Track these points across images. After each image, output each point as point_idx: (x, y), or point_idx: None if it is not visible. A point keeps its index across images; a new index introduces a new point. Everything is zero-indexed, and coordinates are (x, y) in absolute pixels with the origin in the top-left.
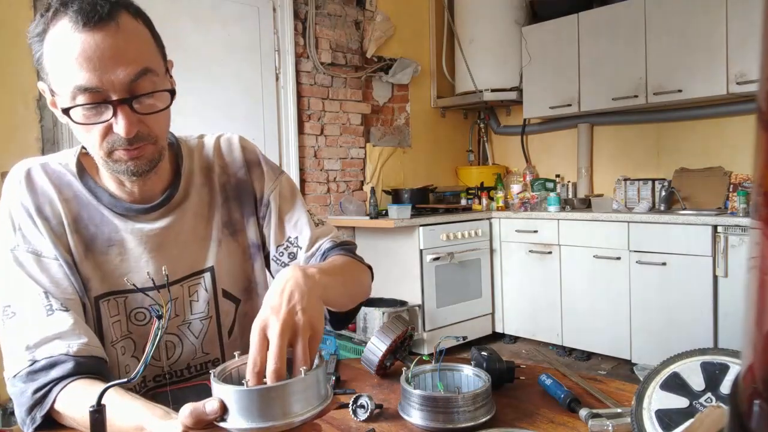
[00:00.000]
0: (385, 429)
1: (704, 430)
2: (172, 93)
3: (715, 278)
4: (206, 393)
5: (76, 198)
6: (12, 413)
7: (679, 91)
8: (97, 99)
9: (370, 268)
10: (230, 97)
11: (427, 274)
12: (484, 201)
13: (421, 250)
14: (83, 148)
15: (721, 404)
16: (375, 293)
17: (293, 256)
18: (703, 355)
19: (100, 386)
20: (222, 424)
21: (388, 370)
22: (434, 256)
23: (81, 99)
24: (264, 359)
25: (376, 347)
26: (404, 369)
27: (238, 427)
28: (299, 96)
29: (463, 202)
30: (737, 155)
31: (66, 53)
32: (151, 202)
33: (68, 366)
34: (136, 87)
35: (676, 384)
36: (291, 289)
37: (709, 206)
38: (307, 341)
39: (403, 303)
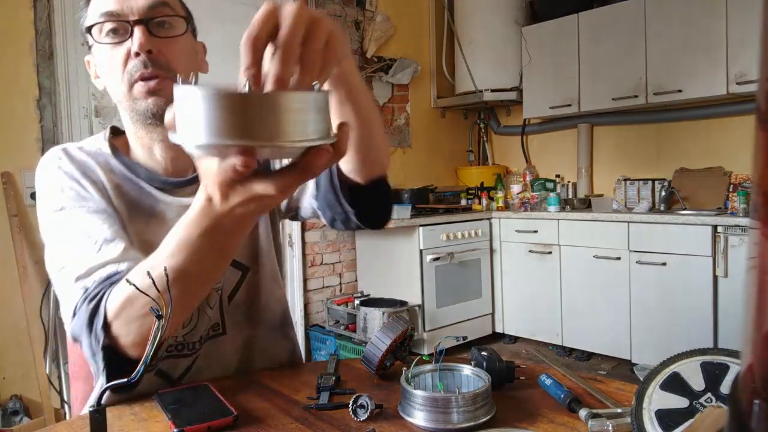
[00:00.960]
0: (385, 429)
1: (704, 430)
2: (187, 20)
3: (715, 278)
4: (204, 394)
5: (114, 172)
6: (12, 413)
7: (679, 91)
8: (118, 21)
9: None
10: None
11: (427, 274)
12: (484, 201)
13: (421, 250)
14: (111, 130)
15: (721, 404)
16: (375, 293)
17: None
18: (703, 355)
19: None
20: (174, 138)
21: (388, 370)
22: (434, 256)
23: (106, 27)
24: (262, 45)
25: (376, 347)
26: (404, 369)
27: (194, 142)
28: None
29: (463, 202)
30: (737, 155)
31: None
32: (183, 176)
33: (123, 272)
34: (153, 13)
35: (676, 384)
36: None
37: (709, 206)
38: (324, 40)
39: (403, 303)
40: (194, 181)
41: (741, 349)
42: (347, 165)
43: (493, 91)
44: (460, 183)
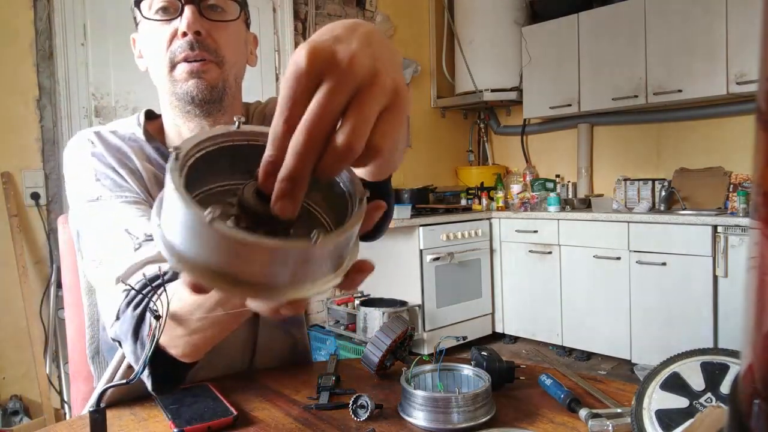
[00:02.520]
0: (385, 429)
1: (704, 430)
2: (242, 5)
3: (715, 278)
4: (204, 394)
5: (150, 159)
6: (12, 413)
7: (679, 91)
8: (171, 2)
9: None
10: None
11: (427, 274)
12: (484, 201)
13: (421, 250)
14: (146, 114)
15: (721, 404)
16: (375, 293)
17: None
18: (703, 355)
19: None
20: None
21: (388, 370)
22: (434, 256)
23: (156, 4)
24: (292, 118)
25: (376, 347)
26: (404, 369)
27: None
28: None
29: (463, 202)
30: (737, 155)
31: None
32: None
33: (169, 275)
34: None
35: (676, 384)
36: (366, 30)
37: (709, 206)
38: (378, 109)
39: (403, 303)
40: None
41: (741, 349)
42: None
43: (493, 91)
44: (460, 183)
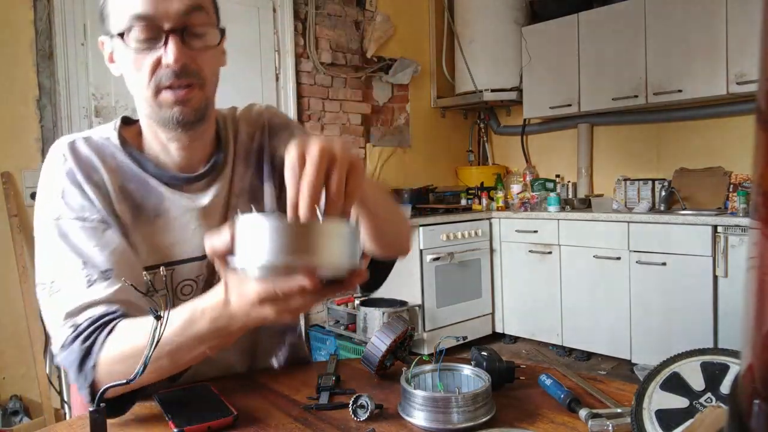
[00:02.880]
0: (385, 429)
1: (704, 430)
2: (222, 32)
3: (715, 278)
4: (204, 394)
5: (120, 169)
6: (12, 413)
7: (679, 91)
8: (151, 27)
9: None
10: (230, 98)
11: (427, 274)
12: (484, 201)
13: (421, 250)
14: (123, 120)
15: (721, 404)
16: (375, 293)
17: None
18: (703, 355)
19: (148, 318)
20: (235, 260)
21: (388, 370)
22: (434, 256)
23: (136, 28)
24: (298, 184)
25: (376, 347)
26: (404, 369)
27: (256, 264)
28: (299, 96)
29: (463, 202)
30: (737, 155)
31: None
32: (195, 171)
33: (114, 315)
34: (188, 20)
35: (676, 384)
36: (328, 140)
37: (709, 206)
38: (345, 175)
39: (403, 303)
40: (203, 177)
41: (741, 349)
42: (372, 245)
43: (493, 91)
44: (460, 183)
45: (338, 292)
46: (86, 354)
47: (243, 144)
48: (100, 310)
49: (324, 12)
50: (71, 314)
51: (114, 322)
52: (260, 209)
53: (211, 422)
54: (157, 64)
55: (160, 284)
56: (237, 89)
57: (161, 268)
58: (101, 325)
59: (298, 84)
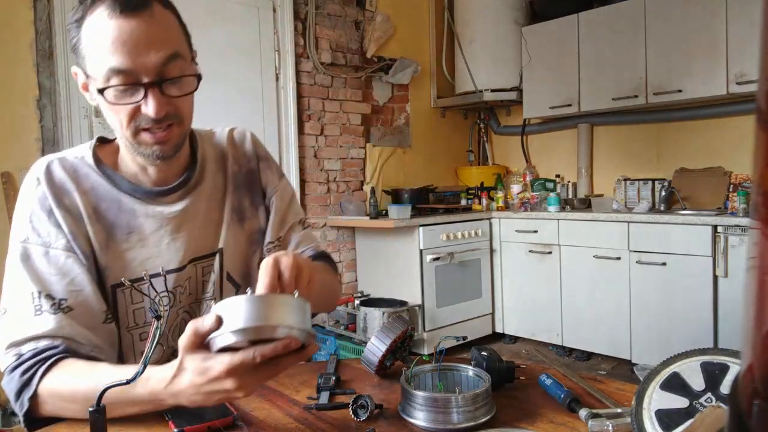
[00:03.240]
0: (385, 429)
1: (704, 430)
2: (199, 78)
3: (715, 278)
4: None
5: (93, 189)
6: (13, 413)
7: (679, 91)
8: (130, 80)
9: (340, 285)
10: (230, 97)
11: (427, 274)
12: (484, 201)
13: (421, 250)
14: (98, 140)
15: (721, 404)
16: (375, 293)
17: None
18: (703, 355)
19: (89, 365)
20: (214, 334)
21: (388, 370)
22: (434, 256)
23: (114, 80)
24: (275, 280)
25: (376, 347)
26: (404, 369)
27: (229, 330)
28: (299, 96)
29: (463, 202)
30: (737, 155)
31: (103, 38)
32: (168, 185)
33: (56, 350)
34: (165, 71)
35: (676, 384)
36: (291, 255)
37: (709, 206)
38: (306, 282)
39: (403, 303)
40: (176, 189)
41: (741, 349)
42: None
43: (493, 91)
44: (460, 183)
45: (297, 361)
46: (24, 385)
47: (230, 165)
48: (43, 343)
49: (324, 12)
50: (15, 344)
51: (55, 358)
52: (247, 231)
53: (211, 422)
54: (136, 111)
55: (138, 297)
56: (237, 89)
57: (144, 275)
58: (43, 360)
59: (298, 84)
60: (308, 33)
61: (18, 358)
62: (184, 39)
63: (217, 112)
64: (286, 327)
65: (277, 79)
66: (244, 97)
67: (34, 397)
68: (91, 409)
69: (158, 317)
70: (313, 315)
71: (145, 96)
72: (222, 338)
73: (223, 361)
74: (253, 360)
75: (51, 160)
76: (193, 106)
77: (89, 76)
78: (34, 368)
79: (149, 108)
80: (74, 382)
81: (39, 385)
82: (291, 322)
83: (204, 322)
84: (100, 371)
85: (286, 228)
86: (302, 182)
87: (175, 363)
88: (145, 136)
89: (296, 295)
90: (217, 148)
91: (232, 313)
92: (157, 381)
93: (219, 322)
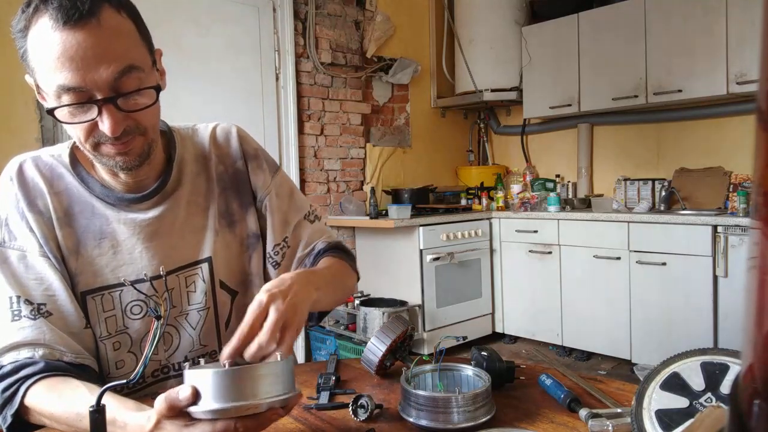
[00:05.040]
0: (385, 429)
1: (704, 430)
2: (158, 89)
3: (715, 278)
4: None
5: (67, 191)
6: None
7: (679, 91)
8: (82, 98)
9: (357, 272)
10: (230, 97)
11: (427, 274)
12: (484, 201)
13: (421, 250)
14: None
15: (721, 404)
16: (375, 293)
17: (286, 256)
18: (703, 355)
19: (71, 383)
20: (193, 409)
21: (388, 370)
22: (434, 256)
23: (66, 98)
24: (257, 327)
25: (376, 347)
26: (404, 369)
27: (209, 408)
28: (299, 96)
29: (463, 202)
30: (737, 155)
31: (48, 53)
32: (144, 191)
33: (37, 366)
34: (120, 85)
35: (676, 384)
36: (291, 283)
37: (709, 206)
38: (294, 337)
39: (403, 303)
40: (150, 196)
41: (741, 349)
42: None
43: (493, 91)
44: (460, 183)
45: (281, 416)
46: (7, 402)
47: (214, 166)
48: (24, 353)
49: (324, 12)
50: None
51: (36, 378)
52: (240, 235)
53: None
54: (93, 126)
55: (108, 305)
56: (237, 89)
57: (124, 281)
58: (23, 378)
59: (298, 84)
60: (308, 33)
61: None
62: (141, 44)
63: (217, 112)
64: (270, 400)
65: (277, 79)
66: (244, 97)
67: (17, 413)
68: (91, 409)
69: (158, 317)
70: (325, 313)
71: (100, 113)
72: (201, 414)
73: (201, 429)
74: (235, 431)
75: (24, 159)
76: (158, 114)
77: (41, 90)
78: (16, 386)
79: (105, 126)
80: (56, 406)
81: (22, 401)
82: (274, 392)
83: (179, 395)
84: (80, 398)
85: (290, 227)
86: (302, 182)
87: (152, 416)
88: (106, 149)
89: (279, 357)
90: (198, 148)
91: (211, 388)
92: (132, 429)
93: (195, 395)
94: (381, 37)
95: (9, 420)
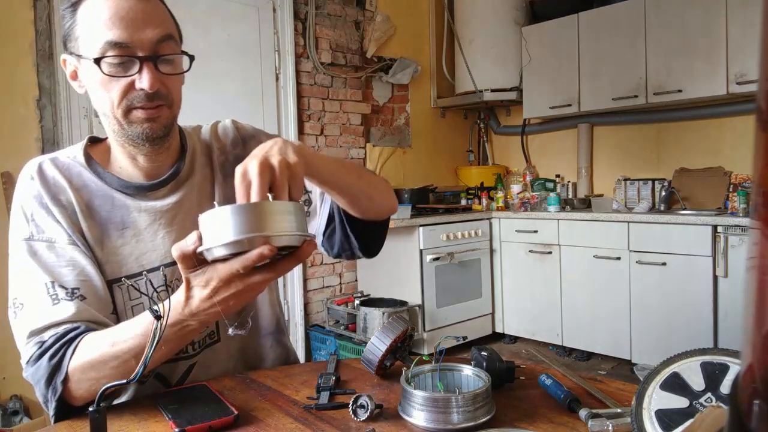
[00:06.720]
0: (385, 429)
1: (704, 430)
2: (192, 58)
3: (715, 278)
4: (204, 394)
5: (86, 186)
6: (12, 413)
7: (679, 91)
8: (126, 53)
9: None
10: (230, 98)
11: (427, 274)
12: (484, 201)
13: (421, 250)
14: (89, 140)
15: (721, 404)
16: (375, 293)
17: (308, 202)
18: (703, 355)
19: (109, 330)
20: (207, 246)
21: (388, 370)
22: (434, 256)
23: (111, 53)
24: (247, 195)
25: (376, 347)
26: (404, 369)
27: (222, 242)
28: (299, 96)
29: (463, 202)
30: (737, 155)
31: (101, 15)
32: (159, 177)
33: (78, 331)
34: (160, 48)
35: (676, 384)
36: (272, 144)
37: (709, 206)
38: (286, 181)
39: (403, 303)
40: (167, 182)
41: (741, 349)
42: (354, 213)
43: (493, 91)
44: (460, 183)
45: (295, 263)
46: (55, 369)
47: (216, 157)
48: (63, 328)
49: (324, 12)
50: (36, 332)
51: (79, 338)
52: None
53: (212, 422)
54: (130, 86)
55: (135, 293)
56: (237, 89)
57: (137, 276)
58: (68, 341)
59: (298, 84)
60: (308, 33)
61: (41, 346)
62: (175, 26)
63: (217, 112)
64: (283, 235)
65: (277, 79)
66: (244, 97)
67: (66, 380)
68: (91, 408)
69: (158, 317)
70: (369, 238)
71: (140, 70)
72: (216, 252)
73: (218, 274)
74: (238, 272)
75: (42, 160)
76: (181, 96)
77: (81, 57)
78: (62, 351)
79: (143, 81)
80: (101, 347)
81: (69, 365)
82: (287, 230)
83: (186, 242)
84: (121, 328)
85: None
86: None
87: (182, 286)
88: (137, 113)
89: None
90: (203, 142)
91: (222, 225)
92: (173, 309)
93: (200, 239)
94: (381, 37)
95: (60, 389)
